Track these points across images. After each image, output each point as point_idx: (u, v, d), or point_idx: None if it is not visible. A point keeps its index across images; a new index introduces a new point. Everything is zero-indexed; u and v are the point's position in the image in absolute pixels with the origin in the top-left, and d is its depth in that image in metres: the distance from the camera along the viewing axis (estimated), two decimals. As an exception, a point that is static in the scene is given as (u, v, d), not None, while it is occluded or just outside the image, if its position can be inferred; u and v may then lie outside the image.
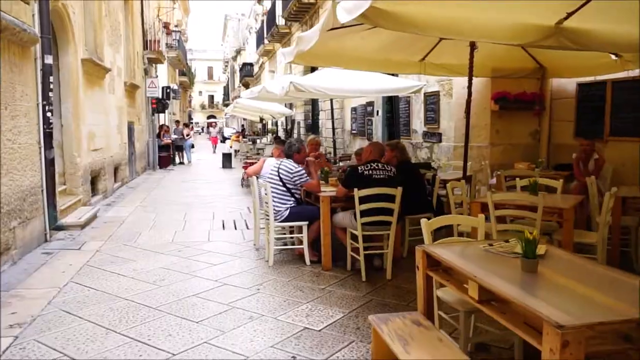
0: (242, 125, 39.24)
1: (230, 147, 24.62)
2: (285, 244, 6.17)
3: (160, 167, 18.19)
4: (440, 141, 8.66)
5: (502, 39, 4.53)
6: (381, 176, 4.98)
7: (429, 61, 7.14)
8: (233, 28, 53.45)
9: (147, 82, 17.47)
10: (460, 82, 8.01)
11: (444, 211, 6.07)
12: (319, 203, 5.39)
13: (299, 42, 5.35)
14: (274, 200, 5.39)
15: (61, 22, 7.86)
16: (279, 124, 24.63)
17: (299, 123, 19.96)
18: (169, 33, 22.33)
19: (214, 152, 27.72)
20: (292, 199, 5.48)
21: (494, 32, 4.44)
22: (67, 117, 8.15)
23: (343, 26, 5.26)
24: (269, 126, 26.75)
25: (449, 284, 2.71)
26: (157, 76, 19.28)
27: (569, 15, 4.39)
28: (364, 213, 4.82)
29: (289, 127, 20.92)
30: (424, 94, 8.98)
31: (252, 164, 12.40)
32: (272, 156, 7.20)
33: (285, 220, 5.44)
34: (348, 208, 5.33)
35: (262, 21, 26.87)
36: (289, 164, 5.45)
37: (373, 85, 8.13)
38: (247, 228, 7.56)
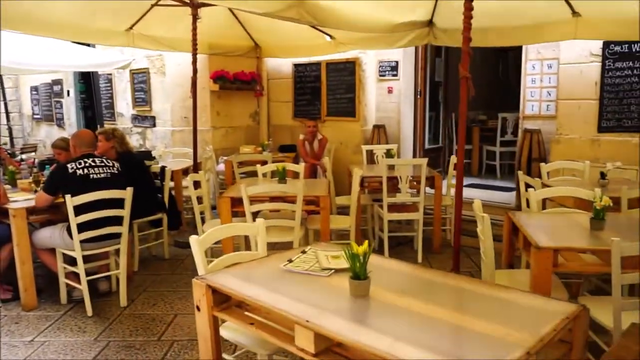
0: None
1: None
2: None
3: None
4: (154, 125, 7.60)
5: (246, 7, 3.88)
6: (102, 175, 3.78)
7: (137, 31, 6.03)
8: None
9: None
10: (174, 58, 7.12)
11: (177, 210, 5.18)
12: (7, 219, 3.83)
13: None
14: None
15: None
16: None
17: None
18: None
19: None
20: (-37, 217, 3.76)
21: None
22: None
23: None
24: None
25: (252, 327, 1.94)
26: None
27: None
28: (82, 226, 3.57)
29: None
30: (130, 71, 7.72)
31: None
32: None
33: (-46, 249, 3.70)
34: (55, 221, 3.95)
35: None
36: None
37: (63, 58, 6.50)
38: None
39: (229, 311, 2.07)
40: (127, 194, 3.74)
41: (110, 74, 8.27)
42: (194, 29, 5.37)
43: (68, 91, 9.70)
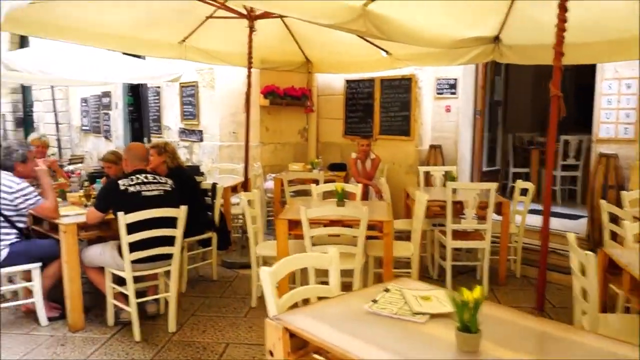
0: None
1: None
2: (5, 297, 4.19)
3: None
4: (201, 140, 7.48)
5: (311, 17, 3.66)
6: (154, 192, 3.60)
7: (190, 44, 5.93)
8: None
9: None
10: (224, 72, 7.00)
11: (227, 229, 4.97)
12: (57, 233, 3.69)
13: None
14: (-20, 237, 3.47)
15: None
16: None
17: (4, 116, 15.97)
18: None
19: None
20: (14, 232, 3.62)
21: (303, 9, 3.55)
22: None
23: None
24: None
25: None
26: None
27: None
28: (133, 246, 3.38)
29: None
30: (180, 84, 7.66)
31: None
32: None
33: (2, 265, 3.55)
34: (104, 238, 3.78)
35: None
36: (6, 180, 3.57)
37: (114, 70, 6.45)
38: None
39: (307, 359, 1.79)
40: (181, 212, 3.54)
41: (159, 87, 8.24)
42: (250, 41, 5.23)
43: (116, 103, 9.74)
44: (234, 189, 5.77)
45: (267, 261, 4.43)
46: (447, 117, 6.51)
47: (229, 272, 5.01)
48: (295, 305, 2.16)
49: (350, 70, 6.83)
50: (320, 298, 2.22)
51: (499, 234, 4.59)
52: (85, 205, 4.06)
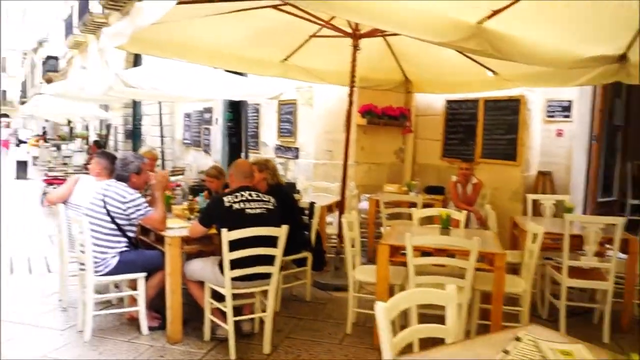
0: (44, 128, 33.83)
1: (27, 152, 20.48)
2: (111, 303, 4.37)
3: None
4: (297, 157, 7.52)
5: (422, 35, 3.50)
6: (257, 210, 3.57)
7: (292, 62, 5.97)
8: (35, 14, 46.59)
9: None
10: (323, 90, 7.00)
11: (323, 249, 4.87)
12: (161, 245, 3.78)
13: (135, 14, 3.71)
14: (95, 245, 3.61)
15: None
16: (91, 128, 21.30)
17: (116, 128, 17.24)
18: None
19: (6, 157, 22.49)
20: (124, 240, 3.76)
21: (414, 26, 3.40)
22: None
23: (193, 1, 3.85)
24: (78, 130, 23.07)
25: None
26: None
27: (495, 13, 3.61)
28: (234, 263, 3.37)
29: (103, 132, 17.98)
30: (279, 102, 7.78)
31: (58, 180, 9.91)
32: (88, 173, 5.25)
33: (112, 272, 3.68)
34: (205, 253, 3.82)
35: (72, 7, 23.15)
36: (121, 190, 3.72)
37: (221, 86, 6.65)
38: (49, 271, 5.46)
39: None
40: (282, 231, 3.49)
41: (258, 104, 8.43)
42: (354, 60, 5.14)
43: (217, 119, 10.12)
44: (329, 209, 5.70)
45: (363, 286, 4.29)
46: (557, 141, 6.04)
47: (322, 294, 4.90)
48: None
49: (453, 91, 6.56)
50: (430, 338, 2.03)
51: (623, 274, 4.10)
52: (189, 219, 4.14)
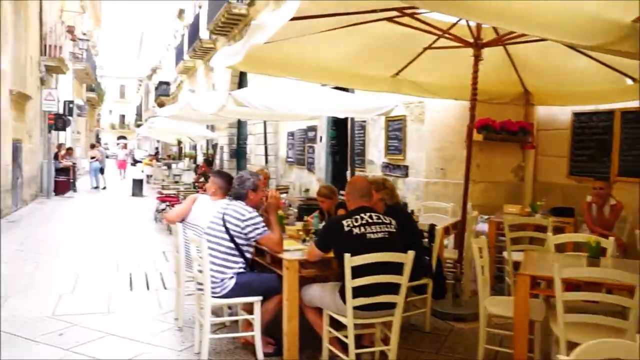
0: (157, 148, 36.31)
1: (142, 171, 21.97)
2: (225, 325, 4.31)
3: (57, 194, 15.37)
4: (406, 175, 7.20)
5: (566, 37, 3.10)
6: (379, 234, 3.32)
7: (403, 77, 5.72)
8: (149, 45, 50.65)
9: (43, 93, 14.77)
10: (435, 105, 6.67)
11: (443, 275, 4.50)
12: (277, 267, 3.65)
13: (253, 32, 3.67)
14: (213, 264, 3.55)
15: None
16: (198, 147, 22.43)
17: (222, 148, 17.96)
18: (74, 40, 19.54)
19: (123, 177, 24.18)
20: (241, 260, 3.67)
21: (561, 30, 3.02)
22: None
23: (306, 16, 3.72)
24: (186, 150, 24.40)
25: None
26: (56, 88, 16.54)
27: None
28: (356, 291, 3.13)
29: (210, 151, 18.81)
30: (386, 118, 7.54)
31: (170, 197, 10.37)
32: (204, 193, 5.32)
33: (229, 295, 3.59)
34: (323, 278, 3.63)
35: (183, 35, 24.77)
36: (239, 208, 3.65)
37: (330, 104, 6.52)
38: (165, 288, 5.57)
39: None
40: (408, 258, 3.20)
41: (365, 121, 8.24)
42: (475, 71, 4.78)
43: (321, 137, 10.08)
44: (446, 231, 5.31)
45: (491, 318, 3.86)
46: None
47: (441, 324, 4.52)
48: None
49: (582, 102, 5.93)
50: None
51: None
52: (304, 240, 3.98)
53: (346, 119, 8.66)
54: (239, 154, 16.63)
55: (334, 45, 4.85)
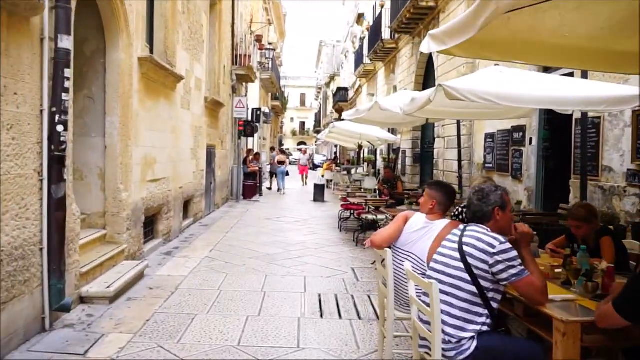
0: (335, 153, 36.96)
1: (322, 176, 22.08)
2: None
3: (245, 198, 15.94)
4: (670, 187, 5.35)
5: None
6: None
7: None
8: (327, 54, 52.38)
9: (234, 101, 15.41)
10: None
11: None
12: (540, 327, 2.44)
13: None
14: (448, 315, 2.49)
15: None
16: (378, 152, 21.79)
17: (404, 152, 16.97)
18: (261, 49, 20.37)
19: (305, 183, 24.32)
20: (485, 313, 2.53)
21: None
22: (112, 136, 5.84)
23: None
24: (365, 154, 23.98)
25: None
26: (246, 96, 17.26)
27: None
28: None
29: (391, 156, 17.95)
30: (634, 112, 5.74)
31: (356, 206, 9.68)
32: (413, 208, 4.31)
33: (468, 363, 2.49)
34: (609, 349, 2.32)
35: (362, 39, 24.52)
36: (483, 235, 2.54)
37: (566, 92, 5.01)
38: (359, 318, 4.70)
39: None
40: None
41: (599, 117, 6.49)
42: None
43: (531, 138, 8.45)
44: None
45: None
46: None
47: None
48: None
49: None
50: None
51: None
52: (565, 283, 2.71)
53: (566, 115, 6.96)
54: (423, 158, 15.47)
55: (569, 17, 3.42)
